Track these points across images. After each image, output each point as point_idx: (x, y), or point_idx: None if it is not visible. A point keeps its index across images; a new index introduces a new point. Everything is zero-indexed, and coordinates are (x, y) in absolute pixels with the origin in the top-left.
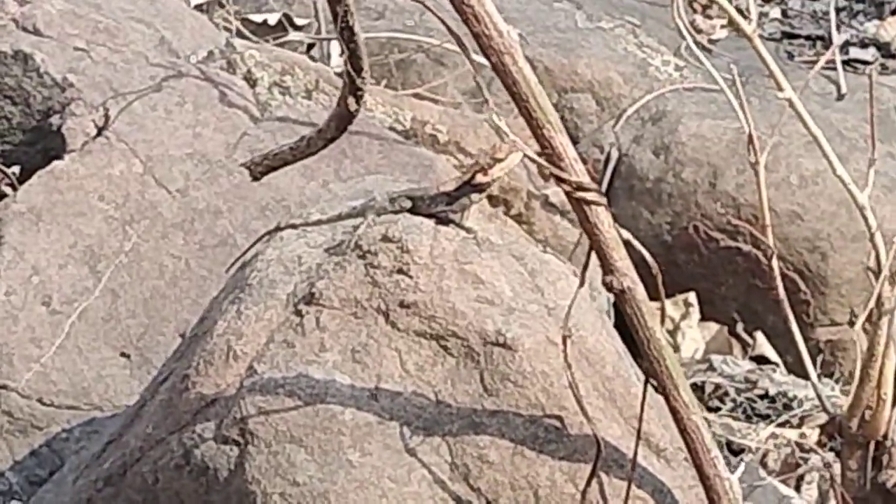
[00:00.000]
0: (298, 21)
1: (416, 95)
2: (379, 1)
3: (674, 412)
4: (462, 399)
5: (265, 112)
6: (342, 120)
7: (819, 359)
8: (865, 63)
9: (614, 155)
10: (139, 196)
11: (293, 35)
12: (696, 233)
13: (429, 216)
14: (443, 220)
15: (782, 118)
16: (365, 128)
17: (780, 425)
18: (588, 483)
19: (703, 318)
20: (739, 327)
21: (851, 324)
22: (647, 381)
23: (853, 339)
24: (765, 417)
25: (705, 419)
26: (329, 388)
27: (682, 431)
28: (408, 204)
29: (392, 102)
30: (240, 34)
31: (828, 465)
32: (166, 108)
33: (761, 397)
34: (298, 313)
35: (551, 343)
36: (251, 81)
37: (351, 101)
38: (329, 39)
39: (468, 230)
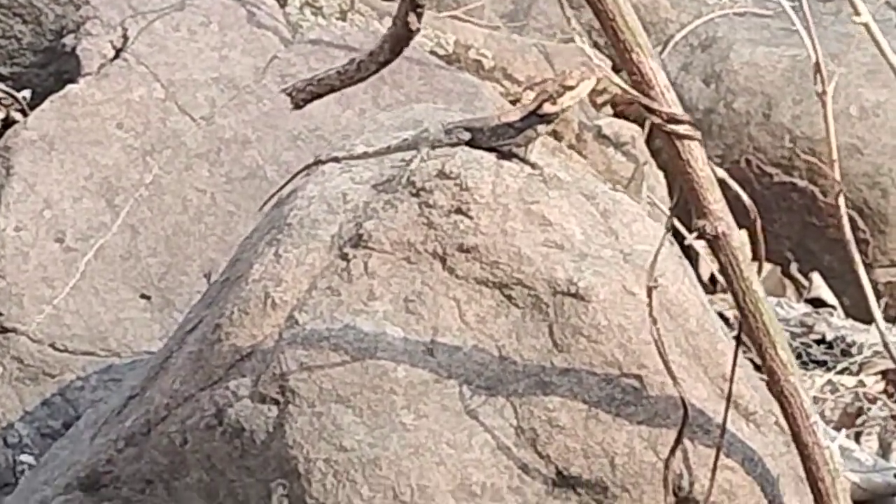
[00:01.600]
0: None
1: (454, 18)
2: None
3: (770, 372)
4: (529, 355)
5: (296, 34)
6: (399, 41)
7: (880, 302)
8: None
9: None
10: (160, 124)
11: None
12: (749, 167)
13: (489, 150)
14: (505, 155)
15: (851, 46)
16: (405, 52)
17: (839, 373)
18: (672, 451)
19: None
20: (794, 268)
21: None
22: (739, 337)
23: None
24: (822, 364)
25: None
26: (379, 342)
27: (779, 394)
28: (466, 136)
29: (433, 24)
30: None
31: (893, 416)
32: (190, 28)
33: (818, 342)
34: (344, 257)
35: (628, 293)
36: (281, 0)
37: (412, 18)
38: None
39: (533, 166)
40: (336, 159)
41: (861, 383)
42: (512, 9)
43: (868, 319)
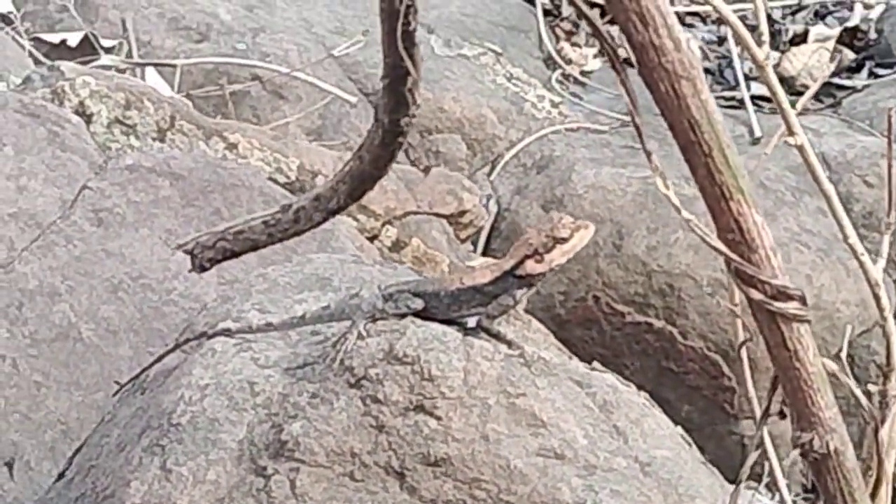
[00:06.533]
0: (105, 42)
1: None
2: (200, 19)
3: None
4: None
5: (108, 158)
6: (363, 181)
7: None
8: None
9: (492, 209)
10: None
11: (105, 59)
12: (597, 305)
13: (448, 322)
14: (471, 330)
15: (758, 163)
16: (241, 178)
17: None
18: None
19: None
20: None
21: (783, 415)
22: None
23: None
24: None
25: None
26: None
27: None
28: (417, 304)
29: (272, 146)
30: (32, 59)
31: None
32: None
33: None
34: (261, 472)
35: None
36: (86, 117)
37: (385, 146)
38: (147, 64)
39: (510, 344)
40: (228, 332)
41: None
42: (320, 124)
43: (733, 479)
